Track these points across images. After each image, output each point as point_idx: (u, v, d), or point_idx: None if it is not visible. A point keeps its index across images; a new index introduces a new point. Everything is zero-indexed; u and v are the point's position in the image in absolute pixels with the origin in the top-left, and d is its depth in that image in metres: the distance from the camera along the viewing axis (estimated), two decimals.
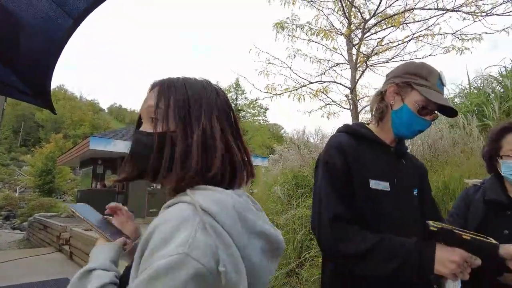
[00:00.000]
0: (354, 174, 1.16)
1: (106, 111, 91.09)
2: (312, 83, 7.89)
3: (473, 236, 0.98)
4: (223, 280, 0.58)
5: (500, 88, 5.93)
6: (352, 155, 1.18)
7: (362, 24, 7.22)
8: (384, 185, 1.18)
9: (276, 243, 0.76)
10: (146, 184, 12.03)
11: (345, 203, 1.12)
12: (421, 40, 6.84)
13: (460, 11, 5.93)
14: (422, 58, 7.10)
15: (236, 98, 37.37)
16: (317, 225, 1.14)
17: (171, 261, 0.56)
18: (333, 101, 8.55)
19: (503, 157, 1.51)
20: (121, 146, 11.08)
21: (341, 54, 7.78)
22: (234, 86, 37.53)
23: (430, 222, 1.01)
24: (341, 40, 7.92)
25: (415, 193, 1.29)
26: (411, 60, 1.17)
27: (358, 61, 7.55)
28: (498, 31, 6.24)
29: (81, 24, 1.83)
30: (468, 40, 6.47)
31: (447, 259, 0.98)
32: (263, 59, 8.30)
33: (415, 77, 1.22)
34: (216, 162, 0.72)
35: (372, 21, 7.18)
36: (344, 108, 8.37)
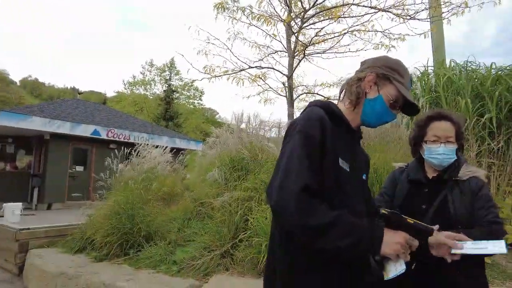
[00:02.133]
0: (328, 149, 1.17)
1: (19, 84, 79.73)
2: (251, 67, 7.88)
3: (415, 220, 1.08)
4: None
5: (414, 87, 6.63)
6: (329, 130, 1.19)
7: (302, 13, 7.39)
8: (346, 166, 1.22)
9: None
10: (68, 166, 10.97)
11: (316, 176, 1.11)
12: (355, 35, 7.30)
13: (389, 11, 6.43)
14: (355, 52, 7.61)
15: (170, 79, 35.74)
16: (278, 195, 1.09)
17: None
18: (270, 87, 8.71)
19: (427, 142, 1.69)
20: (39, 123, 9.85)
21: (280, 42, 7.90)
22: (169, 66, 35.80)
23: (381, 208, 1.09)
24: (281, 28, 8.03)
25: (364, 177, 1.35)
26: (386, 55, 1.24)
27: (296, 49, 7.76)
28: (419, 34, 6.95)
29: None
30: (394, 39, 7.09)
31: (392, 241, 1.05)
32: (202, 38, 8.04)
33: (394, 72, 1.28)
34: None
35: (311, 12, 7.41)
36: (281, 95, 8.58)
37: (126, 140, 11.81)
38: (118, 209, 4.93)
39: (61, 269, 4.27)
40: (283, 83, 8.20)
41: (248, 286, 3.14)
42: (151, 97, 36.16)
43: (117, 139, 11.79)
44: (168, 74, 35.97)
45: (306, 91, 9.15)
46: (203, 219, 4.88)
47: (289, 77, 7.64)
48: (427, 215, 1.58)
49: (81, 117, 12.05)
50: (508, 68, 5.74)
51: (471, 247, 1.33)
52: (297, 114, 8.76)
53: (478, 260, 1.57)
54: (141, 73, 36.95)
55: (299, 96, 9.00)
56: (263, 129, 5.91)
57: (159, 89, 36.60)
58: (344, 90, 1.37)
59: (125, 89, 37.11)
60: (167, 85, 34.97)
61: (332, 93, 8.40)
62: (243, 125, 6.38)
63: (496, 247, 1.32)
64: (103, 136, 11.53)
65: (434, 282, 1.51)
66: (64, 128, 10.46)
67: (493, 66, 5.78)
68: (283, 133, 6.52)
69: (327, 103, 1.31)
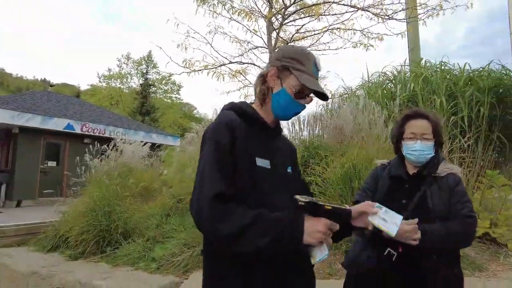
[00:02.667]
0: (240, 151, 1.18)
1: None
2: (231, 62, 7.82)
3: (333, 205, 1.08)
4: None
5: (391, 85, 6.82)
6: (240, 132, 1.20)
7: (283, 9, 7.40)
8: (265, 163, 1.23)
9: None
10: (39, 161, 10.52)
11: (228, 181, 1.13)
12: (335, 33, 7.39)
13: (369, 11, 6.56)
14: (335, 50, 7.71)
15: (147, 72, 34.87)
16: (195, 204, 1.12)
17: None
18: (251, 83, 8.69)
19: (405, 139, 1.79)
20: (6, 116, 9.37)
21: (261, 37, 7.88)
22: (146, 59, 34.89)
23: (298, 197, 1.08)
24: (262, 24, 8.01)
25: (288, 170, 1.37)
26: (290, 44, 1.21)
27: (277, 46, 7.77)
28: (396, 34, 7.13)
29: None
30: (373, 38, 7.25)
31: (314, 229, 1.06)
32: (182, 31, 7.90)
33: (293, 62, 1.26)
34: None
35: (292, 8, 7.43)
36: None
37: (101, 135, 11.47)
38: (94, 205, 4.78)
39: (33, 268, 4.10)
40: None
41: None
42: (127, 91, 35.20)
43: (91, 133, 11.43)
44: (145, 68, 35.10)
45: None
46: (182, 216, 4.82)
47: None
48: (407, 209, 1.64)
49: (54, 110, 11.57)
50: (479, 70, 6.02)
51: (382, 216, 1.35)
52: None
53: (454, 252, 1.65)
54: (117, 66, 35.86)
55: None
56: None
57: (135, 82, 35.69)
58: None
59: (100, 82, 35.91)
60: (144, 79, 34.15)
61: None
62: None
63: (394, 224, 1.36)
64: (77, 130, 11.15)
65: (415, 272, 1.57)
66: (34, 121, 10.02)
67: (466, 67, 6.04)
68: None
69: (239, 104, 1.32)
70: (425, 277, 1.56)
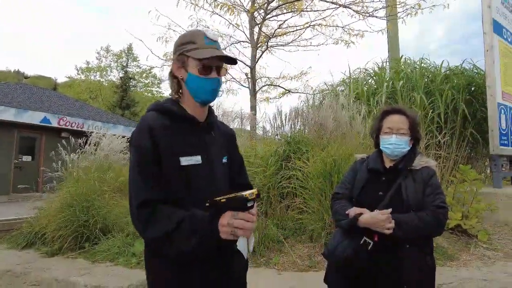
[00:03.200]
0: (164, 154, 1.19)
1: None
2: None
3: (228, 196, 1.06)
4: None
5: (372, 81, 6.96)
6: (162, 134, 1.21)
7: (265, 4, 7.40)
8: (196, 159, 1.24)
9: None
10: (13, 155, 10.13)
11: (154, 186, 1.16)
12: (316, 29, 7.46)
13: (350, 8, 6.65)
14: (317, 46, 7.79)
15: (127, 65, 34.03)
16: (130, 213, 1.18)
17: None
18: (233, 77, 8.66)
19: (382, 133, 1.86)
20: None
21: (243, 32, 7.86)
22: (126, 52, 34.00)
23: (210, 199, 1.09)
24: (244, 18, 7.99)
25: (224, 160, 1.38)
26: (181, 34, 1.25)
27: (259, 41, 7.77)
28: (376, 31, 7.27)
29: None
30: (354, 35, 7.36)
31: (220, 225, 1.07)
32: (163, 24, 7.76)
33: (185, 46, 1.27)
34: None
35: (275, 4, 7.44)
36: (243, 86, 8.58)
37: (79, 129, 11.16)
38: (72, 201, 4.66)
39: (6, 266, 3.97)
40: (246, 74, 8.20)
41: None
42: (106, 84, 34.28)
43: (69, 127, 11.11)
44: (125, 61, 34.22)
45: (269, 83, 9.23)
46: None
47: (252, 68, 7.65)
48: (383, 201, 1.70)
49: (28, 102, 11.16)
50: (455, 68, 6.22)
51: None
52: (259, 105, 8.82)
53: (427, 241, 1.72)
54: (96, 58, 34.80)
55: (261, 87, 9.06)
56: (225, 119, 5.86)
57: (115, 75, 34.77)
58: None
59: (78, 74, 34.78)
60: (124, 72, 33.33)
61: (294, 86, 8.55)
62: None
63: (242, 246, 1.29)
64: (54, 124, 10.80)
65: (389, 260, 1.64)
66: (7, 114, 9.64)
67: (444, 65, 6.23)
68: (247, 124, 6.56)
69: (161, 103, 1.33)
70: (399, 265, 1.62)
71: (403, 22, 6.97)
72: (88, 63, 34.60)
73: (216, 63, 1.26)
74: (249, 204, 1.07)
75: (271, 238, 3.81)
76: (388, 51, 8.42)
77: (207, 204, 1.07)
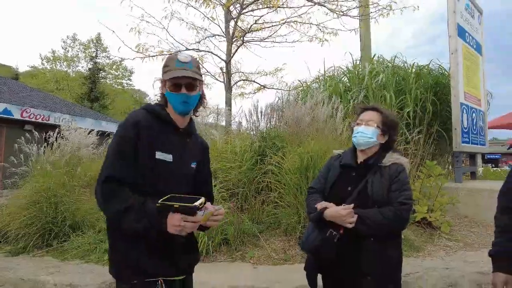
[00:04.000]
0: (143, 145, 1.42)
1: None
2: (188, 49, 7.64)
3: (181, 204, 1.28)
4: None
5: (346, 79, 7.13)
6: (145, 129, 1.44)
7: None
8: (167, 157, 1.48)
9: None
10: None
11: (124, 167, 1.38)
12: (292, 26, 7.52)
13: (325, 6, 6.76)
14: (292, 42, 7.86)
15: (96, 56, 32.63)
16: (96, 185, 1.38)
17: None
18: (207, 71, 8.55)
19: (354, 126, 1.93)
20: None
21: (219, 26, 7.78)
22: (95, 42, 32.56)
23: (160, 201, 1.29)
24: (220, 12, 7.90)
25: (192, 165, 1.62)
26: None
27: (235, 35, 7.72)
28: (349, 30, 7.45)
29: None
30: (328, 33, 7.50)
31: (171, 223, 1.30)
32: (136, 14, 7.53)
33: (164, 69, 1.52)
34: None
35: None
36: (218, 80, 8.50)
37: (45, 122, 10.63)
38: (38, 197, 4.45)
39: None
40: (221, 68, 8.12)
41: None
42: (74, 75, 32.75)
43: (33, 119, 10.55)
44: (94, 51, 32.81)
45: (244, 78, 9.21)
46: None
47: (227, 62, 7.60)
48: (351, 196, 1.78)
49: None
50: (421, 68, 6.50)
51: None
52: (235, 100, 8.79)
53: (391, 235, 1.79)
54: (62, 47, 33.10)
55: (236, 82, 9.03)
56: (201, 114, 5.82)
57: (83, 66, 33.27)
58: None
59: (42, 64, 32.95)
60: (92, 63, 31.98)
61: (268, 81, 8.59)
62: None
63: None
64: (16, 116, 10.22)
65: (351, 250, 1.72)
66: None
67: (415, 65, 6.49)
68: (222, 120, 6.53)
69: (152, 106, 1.58)
70: (360, 256, 1.71)
71: (376, 22, 7.19)
72: (54, 52, 32.88)
73: (184, 81, 1.48)
74: (198, 212, 1.30)
75: (246, 232, 3.85)
76: (361, 50, 8.66)
77: (157, 205, 1.28)
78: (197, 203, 1.28)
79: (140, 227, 1.30)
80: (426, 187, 4.53)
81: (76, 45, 33.15)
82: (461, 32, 6.17)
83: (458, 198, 4.74)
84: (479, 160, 8.71)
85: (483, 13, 7.40)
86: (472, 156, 6.97)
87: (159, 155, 1.45)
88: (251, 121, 5.35)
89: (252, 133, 5.35)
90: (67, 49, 32.95)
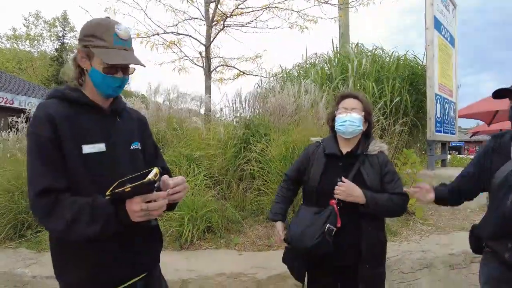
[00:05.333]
0: (65, 142, 1.17)
1: None
2: (166, 32, 7.38)
3: (132, 184, 1.08)
4: None
5: (326, 68, 7.19)
6: (62, 123, 1.18)
7: None
8: (99, 147, 1.24)
9: None
10: None
11: (55, 174, 1.15)
12: (272, 12, 7.41)
13: None
14: (273, 29, 7.77)
15: (64, 36, 30.80)
16: (30, 201, 1.16)
17: None
18: (186, 56, 8.31)
19: (337, 115, 1.93)
20: None
21: (198, 9, 7.54)
22: (61, 20, 30.65)
23: (108, 192, 1.11)
24: None
25: (133, 146, 1.38)
26: (90, 20, 1.16)
27: (215, 19, 7.52)
28: (330, 18, 7.45)
29: None
30: (308, 20, 7.46)
31: (132, 210, 1.11)
32: None
33: (92, 39, 1.22)
34: None
35: None
36: (197, 65, 8.28)
37: (8, 105, 10.00)
38: (8, 185, 4.22)
39: None
40: (200, 53, 7.92)
41: (171, 259, 3.11)
42: (38, 55, 30.84)
43: None
44: (60, 30, 30.96)
45: (223, 64, 9.05)
46: None
47: (207, 47, 7.42)
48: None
49: None
50: (398, 58, 6.67)
51: None
52: (217, 86, 8.64)
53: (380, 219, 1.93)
54: (24, 25, 30.95)
55: (216, 68, 8.86)
56: (181, 101, 5.69)
57: (49, 46, 31.35)
58: None
59: (1, 42, 30.74)
60: (59, 43, 30.21)
61: (249, 67, 8.48)
62: (161, 98, 6.05)
63: None
64: None
65: (350, 239, 1.81)
66: None
67: (394, 54, 6.64)
68: (202, 108, 6.41)
69: (61, 90, 1.29)
70: (359, 242, 1.79)
71: (356, 12, 7.24)
72: (15, 30, 30.71)
73: (122, 65, 1.25)
74: (156, 185, 1.11)
75: (230, 219, 3.86)
76: (339, 38, 8.72)
77: (107, 197, 1.09)
78: (150, 176, 1.08)
79: (95, 229, 1.10)
80: (402, 174, 4.71)
81: (40, 23, 31.15)
82: (437, 25, 6.35)
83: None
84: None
85: (457, 7, 7.65)
86: (443, 145, 7.32)
87: (87, 148, 1.20)
88: (234, 108, 5.30)
89: (234, 119, 5.31)
90: (29, 27, 30.90)
